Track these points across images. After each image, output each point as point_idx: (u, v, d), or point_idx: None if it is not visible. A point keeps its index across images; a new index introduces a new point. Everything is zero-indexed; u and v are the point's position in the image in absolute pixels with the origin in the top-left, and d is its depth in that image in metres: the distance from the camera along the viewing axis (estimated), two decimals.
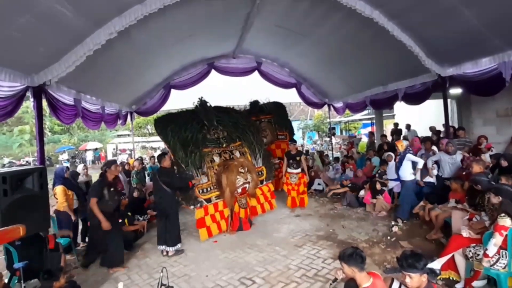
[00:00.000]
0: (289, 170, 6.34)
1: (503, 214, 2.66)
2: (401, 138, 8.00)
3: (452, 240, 3.21)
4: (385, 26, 5.26)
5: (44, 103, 4.65)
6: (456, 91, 6.85)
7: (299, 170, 6.32)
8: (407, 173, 5.20)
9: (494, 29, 4.40)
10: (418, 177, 5.38)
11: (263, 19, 6.42)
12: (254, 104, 8.62)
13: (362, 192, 6.53)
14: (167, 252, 4.56)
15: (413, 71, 6.23)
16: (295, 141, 7.02)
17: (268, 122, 8.43)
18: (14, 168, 2.97)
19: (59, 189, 4.70)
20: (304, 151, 8.50)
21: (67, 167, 5.08)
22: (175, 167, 4.99)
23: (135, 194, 6.02)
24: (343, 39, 6.68)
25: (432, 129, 7.95)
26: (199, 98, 5.78)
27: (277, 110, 8.58)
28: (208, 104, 5.83)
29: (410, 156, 5.20)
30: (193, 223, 5.26)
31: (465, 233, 3.17)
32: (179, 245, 4.63)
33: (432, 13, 4.68)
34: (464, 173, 4.82)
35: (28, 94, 4.31)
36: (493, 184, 3.16)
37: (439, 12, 4.57)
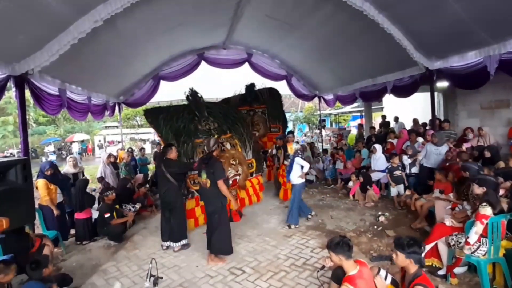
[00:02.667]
0: (285, 162, 6.22)
1: (484, 204, 2.75)
2: (389, 130, 8.16)
3: (436, 229, 3.31)
4: (375, 18, 5.27)
5: (28, 93, 4.51)
6: (442, 84, 6.98)
7: None
8: (295, 176, 5.03)
9: (481, 23, 4.47)
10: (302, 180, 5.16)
11: (253, 9, 6.32)
12: (250, 89, 8.34)
13: (350, 183, 6.65)
14: (173, 248, 4.36)
15: (402, 64, 6.30)
16: (293, 133, 7.01)
17: (261, 114, 8.31)
18: None
19: (40, 182, 4.58)
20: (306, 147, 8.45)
21: (51, 163, 4.93)
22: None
23: (129, 185, 5.96)
24: (333, 30, 6.66)
25: (415, 121, 8.12)
26: (189, 89, 5.69)
27: (272, 100, 8.40)
28: (199, 95, 5.74)
29: (298, 160, 5.01)
30: None
31: (448, 222, 3.27)
32: (184, 241, 4.42)
33: (422, 5, 4.70)
34: (447, 164, 4.95)
35: (10, 84, 4.16)
36: (480, 173, 3.23)
37: (428, 4, 4.60)
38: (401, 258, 2.09)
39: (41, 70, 4.42)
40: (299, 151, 5.22)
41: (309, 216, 5.33)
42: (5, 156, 17.52)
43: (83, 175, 6.00)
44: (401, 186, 5.67)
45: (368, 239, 4.44)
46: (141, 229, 5.41)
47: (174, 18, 6.10)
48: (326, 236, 4.57)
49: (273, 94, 8.54)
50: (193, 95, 5.58)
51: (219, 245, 3.94)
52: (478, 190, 2.97)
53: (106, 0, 4.20)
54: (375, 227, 4.85)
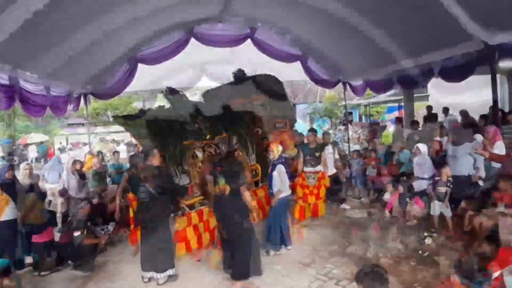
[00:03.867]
0: (305, 168, 6.23)
1: None
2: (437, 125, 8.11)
3: (500, 255, 3.29)
4: None
5: None
6: (507, 64, 6.90)
7: (318, 168, 6.22)
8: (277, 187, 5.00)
9: None
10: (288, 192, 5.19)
11: None
12: (239, 77, 8.14)
13: (386, 195, 6.60)
14: (157, 280, 4.34)
15: (453, 39, 6.24)
16: (315, 131, 6.99)
17: (261, 107, 8.08)
18: None
19: None
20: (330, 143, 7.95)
21: (10, 165, 5.03)
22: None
23: (94, 200, 5.98)
24: None
25: (464, 114, 8.06)
26: (166, 87, 5.78)
27: (272, 89, 8.26)
28: (180, 93, 5.84)
29: (280, 169, 4.96)
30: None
31: None
32: (171, 271, 4.39)
33: None
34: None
35: None
36: None
37: None
38: None
39: None
40: (283, 157, 5.13)
41: (277, 252, 5.10)
42: None
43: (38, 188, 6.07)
44: (442, 204, 5.60)
45: (410, 268, 4.43)
46: (116, 255, 5.43)
47: None
48: (356, 265, 4.57)
49: (272, 82, 8.39)
50: (172, 92, 5.66)
51: (241, 269, 4.08)
52: None
53: None
54: (420, 252, 4.84)
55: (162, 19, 8.05)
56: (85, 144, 17.85)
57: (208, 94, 8.57)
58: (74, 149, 20.11)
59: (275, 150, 5.04)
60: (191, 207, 5.15)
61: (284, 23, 9.08)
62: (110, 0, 5.82)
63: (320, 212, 6.38)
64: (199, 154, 5.34)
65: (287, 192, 5.10)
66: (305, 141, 6.94)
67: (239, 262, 4.05)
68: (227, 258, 4.23)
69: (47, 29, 5.13)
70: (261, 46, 9.28)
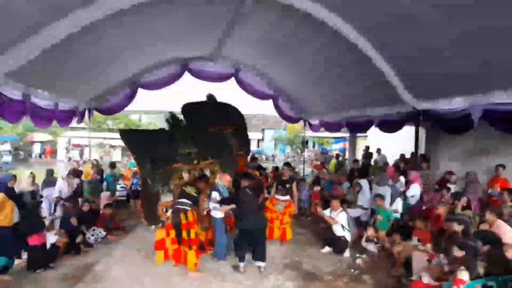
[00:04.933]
0: (276, 196, 5.98)
1: (462, 268, 2.85)
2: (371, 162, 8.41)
3: (413, 286, 3.39)
4: (369, 54, 5.52)
5: None
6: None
7: (287, 197, 5.96)
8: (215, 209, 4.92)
9: (471, 72, 4.77)
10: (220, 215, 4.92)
11: (247, 28, 6.39)
12: (212, 100, 7.35)
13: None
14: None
15: (391, 100, 6.55)
16: (290, 165, 6.85)
17: (232, 135, 7.08)
18: None
19: None
20: (299, 177, 7.94)
21: (13, 175, 4.63)
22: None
23: (85, 207, 5.58)
24: (325, 59, 6.88)
25: (402, 157, 8.42)
26: (169, 113, 5.61)
27: (238, 121, 7.53)
28: (180, 119, 5.66)
29: (212, 194, 4.89)
30: (152, 243, 5.00)
31: (426, 279, 3.36)
32: None
33: (417, 49, 4.98)
34: (424, 207, 5.14)
35: None
36: (478, 250, 3.25)
37: (424, 49, 4.87)
38: None
39: (4, 74, 4.17)
40: (219, 187, 5.01)
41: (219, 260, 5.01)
42: None
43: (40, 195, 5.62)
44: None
45: (344, 284, 4.46)
46: (104, 256, 5.08)
47: (161, 28, 6.03)
48: (303, 278, 4.58)
49: (239, 114, 7.59)
50: (173, 119, 5.48)
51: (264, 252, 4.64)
52: (458, 253, 3.09)
53: (87, 4, 4.09)
54: (352, 270, 4.88)
55: (162, 54, 7.91)
56: (86, 146, 17.00)
57: (186, 107, 7.04)
58: (75, 149, 19.05)
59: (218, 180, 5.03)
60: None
61: (263, 69, 9.20)
62: (119, 37, 5.61)
63: (288, 236, 5.94)
64: (185, 176, 5.16)
65: (220, 214, 4.92)
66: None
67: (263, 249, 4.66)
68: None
69: (61, 55, 4.85)
70: (242, 84, 9.33)
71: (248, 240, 4.66)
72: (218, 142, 5.71)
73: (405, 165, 7.72)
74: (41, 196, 5.57)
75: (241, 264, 4.70)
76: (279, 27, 6.07)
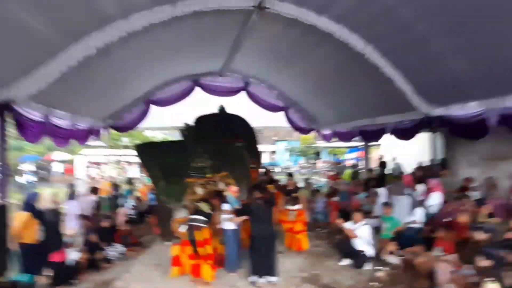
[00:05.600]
0: (286, 206, 6.04)
1: (492, 279, 2.70)
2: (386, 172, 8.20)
3: None
4: (376, 61, 5.50)
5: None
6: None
7: (297, 206, 6.01)
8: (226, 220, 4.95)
9: (486, 76, 4.67)
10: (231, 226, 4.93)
11: (254, 42, 6.51)
12: (223, 112, 7.47)
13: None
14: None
15: (402, 107, 6.47)
16: (292, 175, 6.86)
17: (241, 148, 6.93)
18: None
19: (23, 216, 4.47)
20: (313, 188, 8.06)
21: (38, 194, 4.79)
22: None
23: (105, 223, 5.66)
24: (334, 68, 6.91)
25: (419, 166, 8.17)
26: (185, 124, 5.67)
27: (249, 134, 7.65)
28: (193, 130, 5.70)
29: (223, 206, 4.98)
30: (169, 258, 4.98)
31: None
32: None
33: (425, 55, 4.94)
34: (447, 219, 4.93)
35: None
36: (504, 260, 3.14)
37: (433, 56, 4.83)
38: None
39: (26, 96, 4.36)
40: (228, 198, 5.04)
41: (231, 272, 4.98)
42: None
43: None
44: None
45: None
46: (123, 272, 5.09)
47: (171, 48, 6.23)
48: None
49: (249, 126, 7.72)
50: (189, 130, 5.53)
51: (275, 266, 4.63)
52: (483, 263, 2.94)
53: (102, 27, 4.27)
54: (373, 283, 4.69)
55: (173, 71, 8.11)
56: (104, 163, 17.40)
57: (199, 120, 7.36)
58: (92, 167, 19.55)
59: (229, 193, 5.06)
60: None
61: (272, 81, 9.28)
62: (132, 57, 5.81)
63: (303, 245, 5.95)
64: (199, 191, 5.16)
65: (230, 225, 4.93)
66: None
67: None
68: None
69: (78, 76, 5.03)
70: (252, 97, 9.43)
71: (260, 250, 4.60)
72: (231, 154, 5.73)
73: (423, 173, 7.47)
74: (62, 214, 5.68)
75: (260, 280, 4.60)
76: (284, 38, 6.15)
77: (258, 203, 4.82)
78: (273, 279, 4.63)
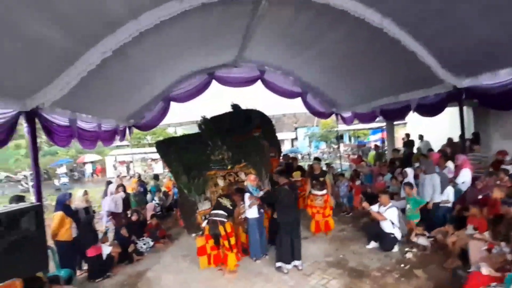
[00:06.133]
0: (313, 191, 6.07)
1: None
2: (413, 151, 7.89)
3: (471, 278, 3.12)
4: (396, 35, 5.23)
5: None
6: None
7: (324, 191, 6.02)
8: (252, 210, 5.00)
9: None
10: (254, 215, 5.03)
11: (266, 28, 6.39)
12: (237, 109, 7.40)
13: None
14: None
15: (427, 82, 6.16)
16: (320, 160, 6.81)
17: (259, 138, 7.06)
18: (8, 209, 2.96)
19: (58, 216, 4.79)
20: (337, 173, 8.06)
21: (69, 194, 5.14)
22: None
23: (134, 217, 5.99)
24: (351, 49, 6.64)
25: (449, 141, 7.83)
26: (202, 117, 5.76)
27: (265, 124, 7.56)
28: (210, 124, 5.78)
29: (246, 196, 5.03)
30: (196, 250, 5.14)
31: (485, 270, 3.07)
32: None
33: (448, 23, 4.62)
34: (480, 196, 4.70)
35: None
36: None
37: (455, 22, 4.51)
38: None
39: (51, 103, 4.62)
40: (248, 188, 5.13)
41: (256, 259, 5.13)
42: (18, 180, 18.35)
43: (93, 210, 6.14)
44: None
45: (394, 280, 4.25)
46: (154, 264, 5.40)
47: (183, 42, 6.27)
48: (349, 276, 4.45)
49: (264, 117, 7.70)
50: (205, 124, 5.62)
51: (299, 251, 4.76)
52: None
53: (115, 30, 4.39)
54: (402, 265, 4.63)
55: (188, 67, 8.19)
56: (130, 162, 18.19)
57: (213, 119, 7.32)
58: (120, 166, 20.54)
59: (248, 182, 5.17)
60: None
61: (287, 67, 9.12)
62: (146, 57, 5.93)
63: (331, 226, 6.11)
64: (220, 182, 5.28)
65: (253, 214, 5.04)
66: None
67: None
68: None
69: (98, 80, 5.21)
70: (269, 85, 9.34)
71: (286, 236, 4.67)
72: (249, 144, 5.76)
73: (452, 150, 7.14)
74: (94, 212, 6.06)
75: (287, 266, 4.69)
76: (297, 21, 5.97)
77: (284, 189, 4.86)
78: (298, 262, 4.71)
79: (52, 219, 4.86)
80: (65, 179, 17.52)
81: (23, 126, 4.63)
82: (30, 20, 3.29)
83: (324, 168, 8.98)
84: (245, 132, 6.51)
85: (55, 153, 23.24)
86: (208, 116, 6.69)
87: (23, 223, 2.99)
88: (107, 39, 4.40)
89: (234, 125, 6.27)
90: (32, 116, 4.44)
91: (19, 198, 4.44)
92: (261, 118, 7.57)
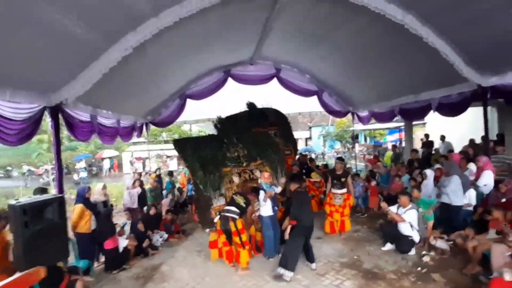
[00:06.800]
0: (333, 190, 6.05)
1: None
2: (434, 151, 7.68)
3: (493, 285, 3.02)
4: (418, 31, 5.07)
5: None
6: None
7: (344, 190, 5.99)
8: (266, 208, 4.98)
9: None
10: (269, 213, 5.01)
11: (283, 23, 6.34)
12: (252, 108, 7.74)
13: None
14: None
15: (449, 80, 5.97)
16: (343, 159, 6.76)
17: (274, 136, 7.45)
18: (33, 199, 3.08)
19: (78, 208, 4.96)
20: (353, 173, 7.89)
21: (88, 187, 5.32)
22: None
23: (152, 211, 6.16)
24: (368, 43, 6.49)
25: (471, 142, 7.57)
26: (217, 117, 5.84)
27: (281, 122, 7.86)
28: (226, 123, 5.86)
29: (262, 194, 4.99)
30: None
31: (508, 276, 2.96)
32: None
33: (471, 15, 4.44)
34: (504, 199, 4.53)
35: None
36: None
37: (479, 14, 4.34)
38: None
39: (74, 99, 4.78)
40: (262, 185, 5.13)
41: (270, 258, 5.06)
42: (39, 174, 19.11)
43: (111, 204, 6.33)
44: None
45: (411, 284, 4.15)
46: (168, 258, 5.51)
47: (201, 39, 6.33)
48: (363, 277, 4.38)
49: (280, 116, 8.01)
50: (221, 123, 5.69)
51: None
52: None
53: (136, 27, 4.48)
54: (419, 268, 4.52)
55: (205, 64, 8.27)
56: (146, 158, 18.61)
57: (228, 118, 7.68)
58: (137, 162, 21.05)
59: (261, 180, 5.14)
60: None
61: (303, 65, 9.07)
62: (165, 54, 6.03)
63: (346, 227, 6.06)
64: (236, 179, 5.33)
65: (267, 212, 5.02)
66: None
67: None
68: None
69: (118, 76, 5.33)
70: (284, 83, 9.31)
71: (301, 237, 4.58)
72: (265, 142, 5.79)
73: (474, 151, 6.90)
74: (112, 205, 6.25)
75: (289, 274, 4.40)
76: (313, 15, 5.88)
77: (302, 192, 4.80)
78: (314, 265, 4.72)
79: (72, 211, 5.03)
80: (84, 174, 18.11)
81: (46, 122, 4.83)
82: (55, 14, 3.37)
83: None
84: (263, 126, 6.59)
85: (75, 148, 24.11)
86: (224, 115, 6.80)
87: (46, 213, 3.10)
88: (128, 36, 4.50)
89: (251, 123, 6.33)
90: (56, 111, 4.61)
91: (42, 190, 4.61)
92: (277, 116, 7.66)
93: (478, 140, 7.70)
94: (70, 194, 10.18)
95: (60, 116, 4.72)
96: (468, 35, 4.90)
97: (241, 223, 4.76)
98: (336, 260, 4.96)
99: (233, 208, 4.80)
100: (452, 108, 6.46)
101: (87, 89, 4.66)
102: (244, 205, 4.90)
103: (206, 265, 5.10)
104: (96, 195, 5.64)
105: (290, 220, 4.60)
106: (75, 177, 18.17)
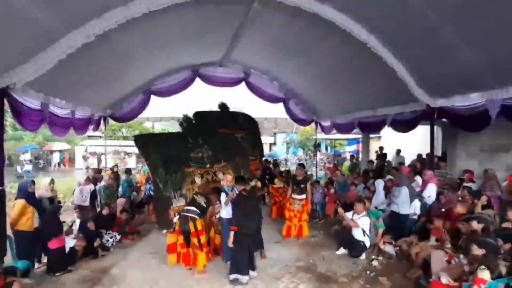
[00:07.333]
0: (293, 195, 6.17)
1: (483, 267, 2.76)
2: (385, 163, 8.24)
3: (432, 287, 3.29)
4: (379, 52, 5.46)
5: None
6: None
7: (303, 196, 6.14)
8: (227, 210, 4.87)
9: (488, 67, 4.65)
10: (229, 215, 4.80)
11: (256, 31, 6.45)
12: (224, 108, 7.83)
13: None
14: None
15: (404, 99, 6.46)
16: (304, 166, 6.91)
17: (241, 140, 7.57)
18: None
19: (18, 203, 4.51)
20: (313, 180, 8.05)
21: (32, 181, 4.84)
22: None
23: (105, 211, 5.74)
24: (339, 61, 6.86)
25: (419, 157, 8.24)
26: (184, 115, 5.71)
27: (251, 127, 8.01)
28: (193, 122, 5.75)
29: (223, 196, 4.95)
30: (165, 246, 5.05)
31: (444, 279, 3.26)
32: None
33: (432, 47, 4.89)
34: (443, 209, 4.99)
35: None
36: (499, 248, 3.16)
37: (439, 47, 4.78)
38: None
39: (24, 84, 4.37)
40: (224, 187, 5.08)
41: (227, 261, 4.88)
42: None
43: (58, 201, 5.82)
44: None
45: (360, 286, 4.39)
46: (120, 260, 5.20)
47: (175, 35, 6.19)
48: (317, 280, 4.53)
49: (251, 121, 8.19)
50: (187, 121, 5.57)
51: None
52: (477, 251, 3.00)
53: (101, 14, 4.24)
54: (368, 272, 4.79)
55: (173, 61, 8.06)
56: (101, 153, 17.49)
57: (198, 115, 7.89)
58: (91, 157, 19.66)
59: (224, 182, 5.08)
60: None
61: (274, 73, 9.24)
62: (132, 45, 5.79)
63: (304, 232, 6.24)
64: (198, 180, 5.22)
65: (227, 214, 4.83)
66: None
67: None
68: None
69: (77, 64, 5.03)
70: (253, 88, 9.41)
71: (243, 246, 4.39)
72: (231, 145, 5.76)
73: (421, 165, 7.54)
74: (59, 202, 5.76)
75: (244, 277, 4.38)
76: (289, 29, 6.10)
77: (242, 195, 4.57)
78: (254, 273, 4.56)
79: (13, 207, 4.56)
80: (28, 167, 16.52)
81: None
82: None
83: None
84: (231, 128, 6.54)
85: (21, 138, 21.83)
86: (191, 113, 6.66)
87: None
88: (92, 23, 4.24)
89: (219, 124, 6.27)
90: (1, 96, 4.17)
91: None
92: (247, 121, 7.75)
93: (425, 156, 8.43)
94: (11, 188, 9.28)
95: (5, 101, 4.27)
96: (424, 63, 5.38)
97: (200, 223, 4.64)
98: (292, 264, 5.07)
99: (193, 208, 4.68)
100: (404, 124, 6.99)
101: (40, 74, 4.29)
102: (205, 205, 4.81)
103: (161, 268, 4.90)
104: (42, 190, 5.17)
105: (231, 226, 4.43)
106: (19, 169, 16.50)
